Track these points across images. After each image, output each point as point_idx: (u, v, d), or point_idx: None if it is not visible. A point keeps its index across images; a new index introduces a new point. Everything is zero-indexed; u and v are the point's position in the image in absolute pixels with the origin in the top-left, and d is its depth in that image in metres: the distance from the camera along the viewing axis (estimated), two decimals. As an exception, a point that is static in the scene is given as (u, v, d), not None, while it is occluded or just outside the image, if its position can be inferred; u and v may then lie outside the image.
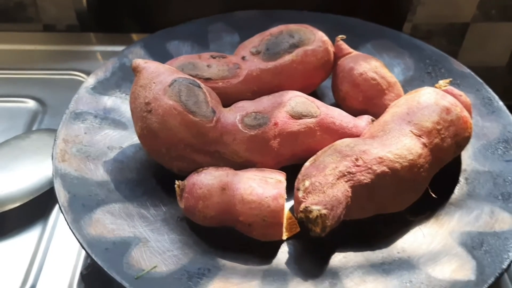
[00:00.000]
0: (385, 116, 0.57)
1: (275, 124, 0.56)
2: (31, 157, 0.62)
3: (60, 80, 0.77)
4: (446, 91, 0.58)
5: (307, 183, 0.51)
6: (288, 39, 0.64)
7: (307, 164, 0.53)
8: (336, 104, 0.64)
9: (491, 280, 0.48)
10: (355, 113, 0.60)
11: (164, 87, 0.54)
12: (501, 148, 0.60)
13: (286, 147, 0.56)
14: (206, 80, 0.61)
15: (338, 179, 0.51)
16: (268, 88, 0.62)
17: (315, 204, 0.49)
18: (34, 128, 0.70)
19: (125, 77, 0.66)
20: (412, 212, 0.55)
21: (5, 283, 0.55)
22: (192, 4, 0.85)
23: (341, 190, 0.50)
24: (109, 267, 0.48)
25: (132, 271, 0.48)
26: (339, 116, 0.58)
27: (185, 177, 0.54)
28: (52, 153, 0.57)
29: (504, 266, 0.49)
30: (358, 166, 0.51)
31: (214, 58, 0.64)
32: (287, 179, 0.53)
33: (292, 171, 0.54)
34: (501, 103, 0.65)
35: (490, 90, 0.66)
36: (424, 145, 0.53)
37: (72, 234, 0.50)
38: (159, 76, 0.55)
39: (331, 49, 0.65)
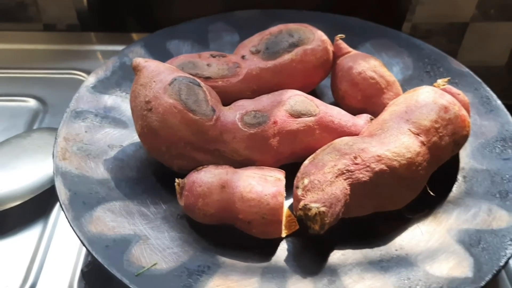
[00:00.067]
0: (384, 115, 0.57)
1: (275, 122, 0.56)
2: (32, 155, 0.63)
3: (61, 79, 0.78)
4: (445, 90, 0.58)
5: (306, 181, 0.51)
6: (287, 38, 0.64)
7: (306, 162, 0.54)
8: (335, 103, 0.64)
9: (488, 277, 0.49)
10: (354, 111, 0.61)
11: (164, 85, 0.55)
12: (499, 146, 0.60)
13: (286, 145, 0.56)
14: (206, 79, 0.61)
15: (336, 177, 0.51)
16: (268, 87, 0.62)
17: (314, 202, 0.49)
18: (35, 127, 0.71)
19: (126, 76, 0.67)
20: (411, 210, 0.55)
21: (7, 280, 0.55)
22: (192, 4, 0.85)
23: (340, 188, 0.50)
24: (109, 264, 0.48)
25: (132, 268, 0.49)
26: (338, 115, 0.59)
27: (185, 175, 0.54)
28: (53, 152, 0.57)
29: (501, 263, 0.50)
30: (356, 164, 0.52)
31: (214, 57, 0.64)
32: (287, 177, 0.54)
33: (291, 169, 0.55)
34: (499, 102, 0.65)
35: (488, 89, 0.67)
36: (422, 143, 0.54)
37: (73, 231, 0.51)
38: (159, 75, 0.55)
39: (330, 48, 0.65)
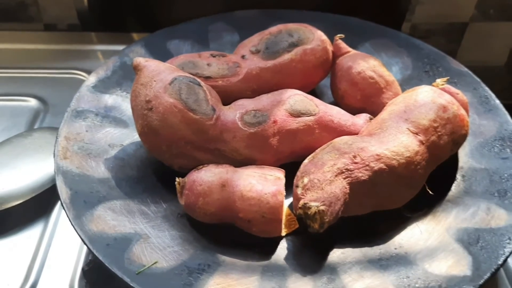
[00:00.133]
0: (383, 114, 0.57)
1: (275, 122, 0.56)
2: (33, 155, 0.63)
3: (62, 79, 0.78)
4: (443, 90, 0.58)
5: (305, 180, 0.51)
6: (287, 38, 0.64)
7: (306, 161, 0.54)
8: (335, 103, 0.64)
9: (487, 276, 0.49)
10: (354, 111, 0.61)
11: (165, 85, 0.55)
12: (497, 145, 0.61)
13: (285, 144, 0.57)
14: (206, 78, 0.61)
15: (336, 176, 0.51)
16: (268, 86, 0.62)
17: (313, 201, 0.49)
18: (36, 127, 0.71)
19: (126, 75, 0.67)
20: (410, 208, 0.55)
21: (8, 279, 0.55)
22: (193, 4, 0.85)
23: (339, 187, 0.51)
24: (110, 263, 0.49)
25: (133, 266, 0.49)
26: (337, 114, 0.59)
27: (185, 174, 0.54)
28: (54, 151, 0.57)
29: (500, 262, 0.50)
30: (356, 163, 0.52)
31: (214, 57, 0.64)
32: (286, 176, 0.54)
33: (291, 168, 0.55)
34: (497, 101, 0.65)
35: (487, 88, 0.67)
36: (421, 142, 0.54)
37: (74, 230, 0.51)
38: (160, 74, 0.56)
39: (330, 48, 0.65)
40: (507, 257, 0.50)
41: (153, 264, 0.50)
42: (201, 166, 0.54)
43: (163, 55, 0.68)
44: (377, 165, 0.52)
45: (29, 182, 0.60)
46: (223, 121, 0.56)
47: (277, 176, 0.53)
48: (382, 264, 0.51)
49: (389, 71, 0.64)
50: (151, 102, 0.54)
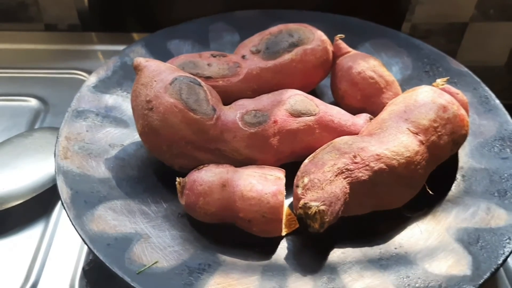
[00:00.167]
0: (383, 114, 0.58)
1: (275, 122, 0.56)
2: (34, 155, 0.63)
3: (62, 79, 0.78)
4: (443, 90, 0.58)
5: (306, 180, 0.51)
6: (287, 38, 0.64)
7: (306, 161, 0.54)
8: (335, 103, 0.64)
9: (486, 275, 0.49)
10: (354, 111, 0.61)
11: (165, 85, 0.55)
12: (497, 145, 0.61)
13: (286, 144, 0.57)
14: (207, 78, 0.61)
15: (336, 176, 0.51)
16: (268, 86, 0.62)
17: (313, 201, 0.49)
18: (36, 127, 0.71)
19: (126, 75, 0.67)
20: (410, 208, 0.55)
21: (8, 278, 0.55)
22: (193, 4, 0.85)
23: (339, 186, 0.51)
24: (111, 263, 0.49)
25: (133, 266, 0.49)
26: (337, 114, 0.59)
27: (185, 174, 0.54)
28: (55, 151, 0.57)
29: (500, 262, 0.50)
30: (356, 163, 0.52)
31: (214, 57, 0.64)
32: (287, 176, 0.54)
33: (291, 168, 0.55)
34: (497, 101, 0.65)
35: (487, 88, 0.67)
36: (421, 142, 0.54)
37: (75, 230, 0.51)
38: (160, 74, 0.56)
39: (330, 48, 0.65)
40: (507, 257, 0.51)
41: (153, 264, 0.50)
42: (201, 166, 0.54)
43: (164, 55, 0.69)
44: (377, 165, 0.52)
45: (30, 182, 0.60)
46: (224, 121, 0.56)
47: (277, 176, 0.53)
48: (382, 263, 0.51)
49: (389, 71, 0.64)
50: (151, 102, 0.54)
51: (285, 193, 0.52)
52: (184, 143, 0.55)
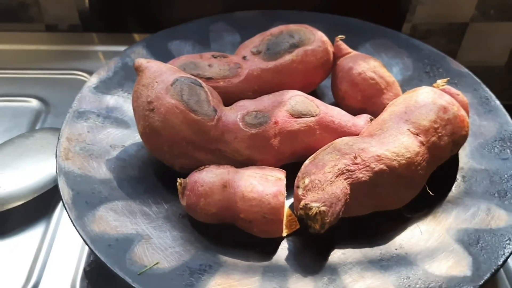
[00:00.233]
0: (383, 115, 0.58)
1: (276, 122, 0.56)
2: (35, 155, 0.63)
3: (63, 80, 0.78)
4: (444, 90, 0.59)
5: (306, 180, 0.51)
6: (288, 39, 0.64)
7: (306, 162, 0.54)
8: (336, 103, 0.65)
9: (486, 276, 0.49)
10: (354, 112, 0.61)
11: (166, 86, 0.55)
12: (497, 146, 0.61)
13: (286, 145, 0.57)
14: (208, 79, 0.61)
15: (337, 176, 0.51)
16: (269, 87, 0.62)
17: (314, 201, 0.50)
18: (37, 127, 0.71)
19: (128, 76, 0.67)
20: (410, 209, 0.56)
21: (10, 279, 0.55)
22: (193, 4, 0.85)
23: (340, 187, 0.51)
24: (112, 263, 0.49)
25: (134, 267, 0.49)
26: (338, 115, 0.59)
27: (186, 175, 0.54)
28: (56, 152, 0.57)
29: (500, 263, 0.50)
30: (356, 164, 0.52)
31: (215, 57, 0.64)
32: (287, 177, 0.54)
33: (292, 169, 0.55)
34: (498, 102, 0.65)
35: (487, 89, 0.67)
36: (422, 143, 0.54)
37: (76, 231, 0.51)
38: (161, 75, 0.56)
39: (331, 49, 0.65)
40: (507, 257, 0.51)
41: (154, 265, 0.50)
42: (202, 167, 0.54)
43: (165, 56, 0.69)
44: (377, 166, 0.52)
45: (31, 182, 0.60)
46: (225, 122, 0.56)
47: (278, 176, 0.53)
48: (383, 264, 0.52)
49: (389, 72, 0.65)
50: (152, 103, 0.54)
51: (285, 194, 0.52)
52: (185, 143, 0.55)
